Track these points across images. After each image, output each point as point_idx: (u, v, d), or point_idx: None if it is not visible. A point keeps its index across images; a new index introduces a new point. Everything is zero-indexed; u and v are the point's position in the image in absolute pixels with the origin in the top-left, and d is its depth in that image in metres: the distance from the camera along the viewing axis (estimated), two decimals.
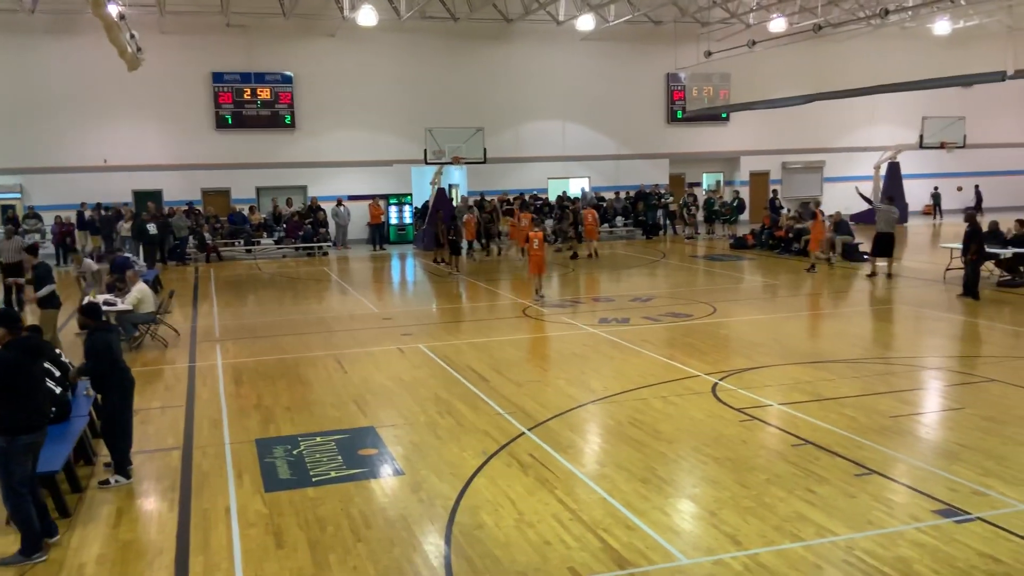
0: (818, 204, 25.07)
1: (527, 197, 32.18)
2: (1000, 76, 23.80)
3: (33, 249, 15.75)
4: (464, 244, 27.58)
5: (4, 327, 7.02)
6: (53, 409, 8.19)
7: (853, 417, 9.69)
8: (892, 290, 19.21)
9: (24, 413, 6.80)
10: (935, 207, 37.80)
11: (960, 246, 17.97)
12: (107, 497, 8.06)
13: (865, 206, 26.84)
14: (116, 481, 8.37)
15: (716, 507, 7.39)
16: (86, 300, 11.93)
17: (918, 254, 26.11)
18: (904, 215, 35.45)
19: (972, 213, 18.25)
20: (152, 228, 26.16)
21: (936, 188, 37.96)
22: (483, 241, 28.82)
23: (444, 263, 23.84)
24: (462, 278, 22.84)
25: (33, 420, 6.87)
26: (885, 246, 20.48)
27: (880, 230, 20.54)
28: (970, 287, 17.32)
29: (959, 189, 38.42)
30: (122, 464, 8.47)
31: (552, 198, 33.17)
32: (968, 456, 8.40)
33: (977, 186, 38.22)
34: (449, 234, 24.17)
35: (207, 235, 28.48)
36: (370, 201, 31.45)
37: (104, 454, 8.81)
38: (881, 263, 20.99)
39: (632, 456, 8.69)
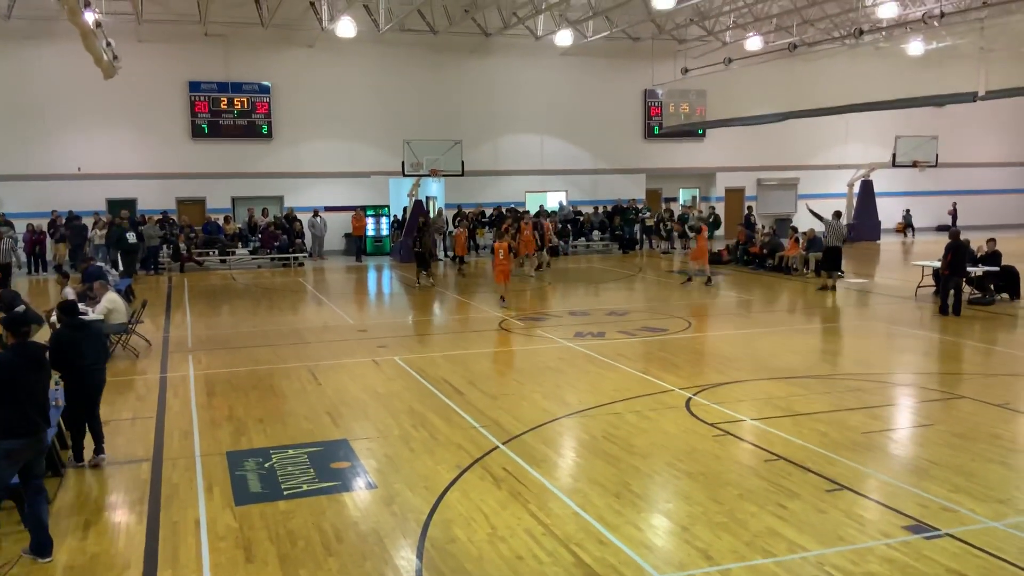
0: (698, 219, 25.67)
1: (504, 210, 32.17)
2: (972, 97, 24.14)
3: None
4: (452, 256, 27.54)
5: (9, 330, 7.05)
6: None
7: (825, 433, 9.75)
8: (864, 306, 19.41)
9: (13, 418, 6.73)
10: (907, 226, 38.27)
11: (939, 263, 18.62)
12: (74, 509, 7.95)
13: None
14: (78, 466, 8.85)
15: (688, 522, 7.40)
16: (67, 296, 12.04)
17: (891, 271, 26.39)
18: (876, 232, 35.93)
19: (957, 230, 18.73)
20: (131, 237, 25.87)
21: (907, 210, 38.49)
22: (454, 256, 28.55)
23: (425, 276, 23.70)
24: (436, 289, 22.79)
25: (22, 426, 6.80)
26: (834, 259, 21.48)
27: (829, 244, 21.58)
28: (946, 304, 17.54)
29: (954, 205, 38.97)
30: (77, 452, 8.84)
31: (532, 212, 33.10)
32: (938, 472, 8.47)
33: (955, 204, 38.77)
34: (414, 247, 24.21)
35: (182, 244, 28.25)
36: (353, 213, 31.39)
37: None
38: (839, 276, 21.80)
39: (606, 470, 8.69)
